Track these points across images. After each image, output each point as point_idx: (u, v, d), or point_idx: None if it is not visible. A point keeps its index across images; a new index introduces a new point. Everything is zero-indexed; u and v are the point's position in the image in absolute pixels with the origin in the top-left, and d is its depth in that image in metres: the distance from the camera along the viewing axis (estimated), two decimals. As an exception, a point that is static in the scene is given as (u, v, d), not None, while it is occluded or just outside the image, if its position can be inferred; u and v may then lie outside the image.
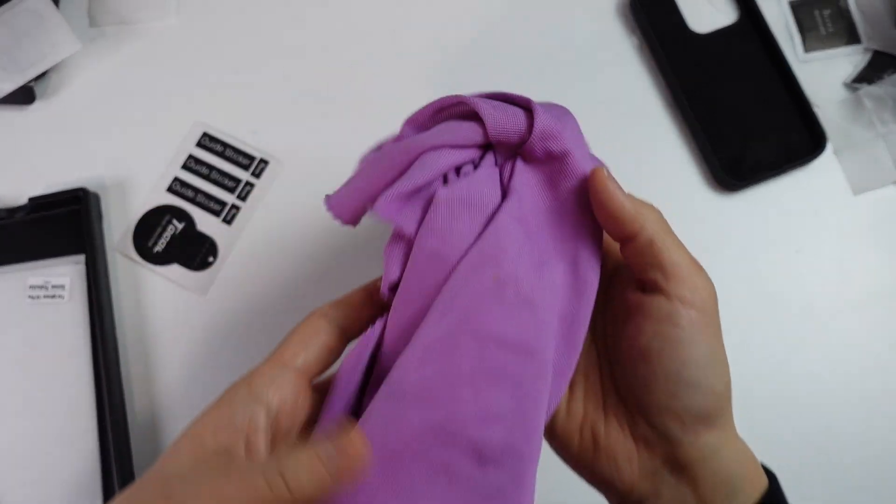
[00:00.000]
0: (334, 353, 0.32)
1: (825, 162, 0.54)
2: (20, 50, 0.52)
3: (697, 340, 0.30)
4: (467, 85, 0.56)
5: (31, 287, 0.49)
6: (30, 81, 0.52)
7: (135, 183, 0.53)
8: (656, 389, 0.30)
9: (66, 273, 0.49)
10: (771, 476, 0.32)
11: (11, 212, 0.51)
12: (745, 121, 0.54)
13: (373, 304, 0.33)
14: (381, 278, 0.32)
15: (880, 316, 0.52)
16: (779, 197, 0.53)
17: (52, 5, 0.52)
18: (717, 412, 0.31)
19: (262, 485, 0.26)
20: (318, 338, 0.32)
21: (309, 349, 0.31)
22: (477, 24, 0.57)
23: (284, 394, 0.30)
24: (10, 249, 0.50)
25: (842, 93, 0.55)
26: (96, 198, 0.52)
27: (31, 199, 0.51)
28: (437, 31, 0.57)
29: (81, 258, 0.50)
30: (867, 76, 0.55)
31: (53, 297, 0.49)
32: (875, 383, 0.51)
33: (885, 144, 0.54)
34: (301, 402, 0.31)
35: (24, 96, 0.53)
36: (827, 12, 0.57)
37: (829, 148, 0.54)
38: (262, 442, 0.29)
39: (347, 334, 0.33)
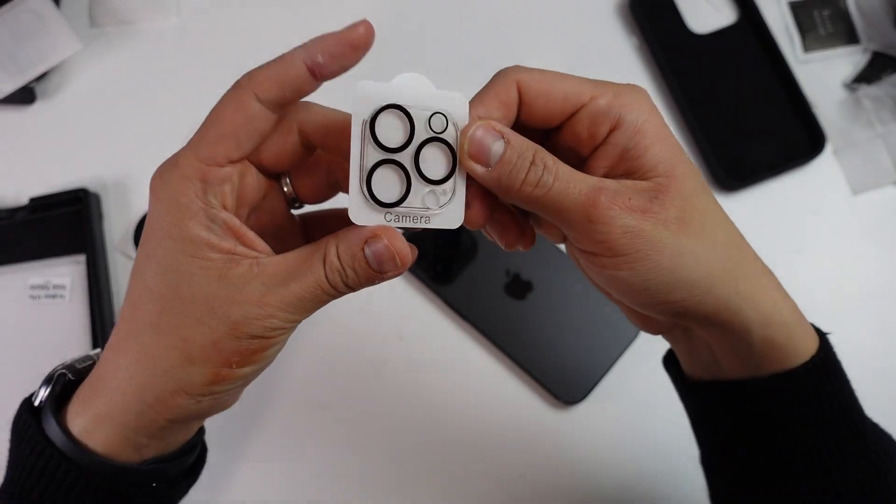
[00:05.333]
0: (264, 135, 0.29)
1: (824, 162, 0.54)
2: (21, 50, 0.52)
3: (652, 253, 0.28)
4: (466, 84, 0.56)
5: (32, 287, 0.49)
6: (30, 82, 0.52)
7: (135, 183, 0.53)
8: (639, 304, 0.30)
9: (67, 273, 0.49)
10: (822, 336, 0.32)
11: (12, 212, 0.51)
12: (745, 121, 0.54)
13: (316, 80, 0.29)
14: (323, 43, 0.29)
15: (880, 315, 0.52)
16: (778, 197, 0.53)
17: (52, 6, 0.52)
18: (707, 300, 0.29)
19: (333, 294, 0.28)
20: (252, 124, 0.29)
21: (241, 141, 0.29)
22: (477, 23, 0.57)
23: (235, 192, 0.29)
24: (11, 249, 0.50)
25: (841, 93, 0.56)
26: (97, 198, 0.52)
27: (31, 200, 0.51)
28: (433, 31, 0.57)
29: (82, 258, 0.50)
30: (866, 76, 0.55)
31: (54, 296, 0.49)
32: (875, 382, 0.51)
33: (884, 144, 0.54)
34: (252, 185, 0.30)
35: (24, 96, 0.53)
36: (826, 13, 0.57)
37: (829, 148, 0.54)
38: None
39: (280, 107, 0.29)
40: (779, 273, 0.40)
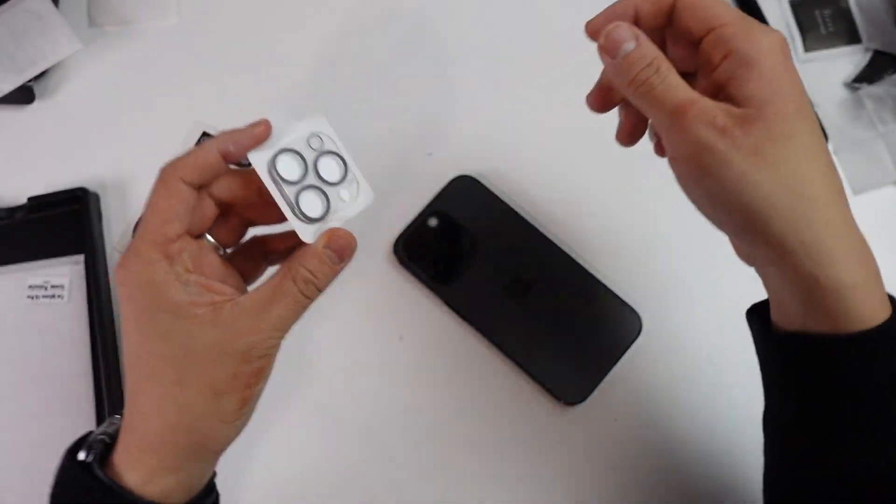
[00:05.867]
0: (194, 209, 0.35)
1: (825, 162, 0.54)
2: (20, 49, 0.52)
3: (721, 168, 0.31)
4: (466, 84, 0.56)
5: (31, 287, 0.49)
6: (29, 81, 0.52)
7: (134, 182, 0.53)
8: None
9: (66, 273, 0.49)
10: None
11: (11, 211, 0.51)
12: (746, 120, 0.54)
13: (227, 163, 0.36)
14: (233, 137, 0.35)
15: (881, 316, 0.52)
16: (779, 197, 0.53)
17: (51, 5, 0.52)
18: (761, 233, 0.31)
19: (306, 303, 0.34)
20: (185, 203, 0.34)
21: (183, 219, 0.34)
22: (475, 24, 0.57)
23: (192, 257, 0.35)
24: (9, 249, 0.50)
25: (842, 92, 0.55)
26: (96, 197, 0.52)
27: (30, 199, 0.51)
28: (434, 31, 0.57)
29: (81, 258, 0.50)
30: (867, 76, 0.55)
31: (53, 296, 0.49)
32: (875, 383, 0.50)
33: (885, 144, 0.54)
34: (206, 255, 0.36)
35: (23, 96, 0.53)
36: (827, 12, 0.57)
37: (830, 148, 0.54)
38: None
39: (201, 187, 0.35)
40: (780, 273, 0.40)
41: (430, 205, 0.51)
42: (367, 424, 0.49)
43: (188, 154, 0.35)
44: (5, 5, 0.52)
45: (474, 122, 0.55)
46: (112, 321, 0.49)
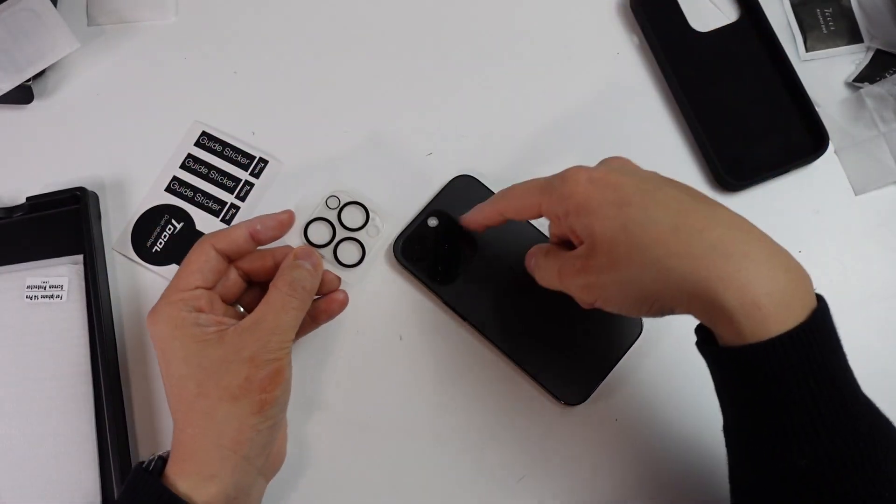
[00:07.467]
0: (221, 273, 0.43)
1: (826, 161, 0.54)
2: (18, 49, 0.51)
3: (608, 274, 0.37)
4: (466, 84, 0.56)
5: (29, 287, 0.49)
6: (28, 80, 0.52)
7: (133, 182, 0.53)
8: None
9: (65, 273, 0.49)
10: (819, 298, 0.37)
11: (9, 211, 0.51)
12: (746, 120, 0.54)
13: (254, 242, 0.43)
14: (261, 220, 0.43)
15: (883, 315, 0.52)
16: (780, 197, 0.53)
17: (50, 4, 0.52)
18: (662, 302, 0.36)
19: (295, 303, 0.40)
20: (210, 264, 0.41)
21: (205, 275, 0.41)
22: (475, 23, 0.57)
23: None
24: (7, 249, 0.50)
25: (843, 92, 0.55)
26: (95, 197, 0.52)
27: (29, 199, 0.51)
28: (434, 31, 0.56)
29: (80, 258, 0.50)
30: (869, 75, 0.55)
31: (51, 297, 0.49)
32: (878, 383, 0.50)
33: (886, 144, 0.53)
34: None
35: (22, 95, 0.53)
36: (829, 11, 0.57)
37: (831, 147, 0.54)
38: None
39: (229, 257, 0.43)
40: (781, 273, 0.40)
41: (429, 204, 0.51)
42: (366, 424, 0.49)
43: (223, 229, 0.42)
44: (4, 5, 0.52)
45: (474, 122, 0.54)
46: (111, 321, 0.49)
